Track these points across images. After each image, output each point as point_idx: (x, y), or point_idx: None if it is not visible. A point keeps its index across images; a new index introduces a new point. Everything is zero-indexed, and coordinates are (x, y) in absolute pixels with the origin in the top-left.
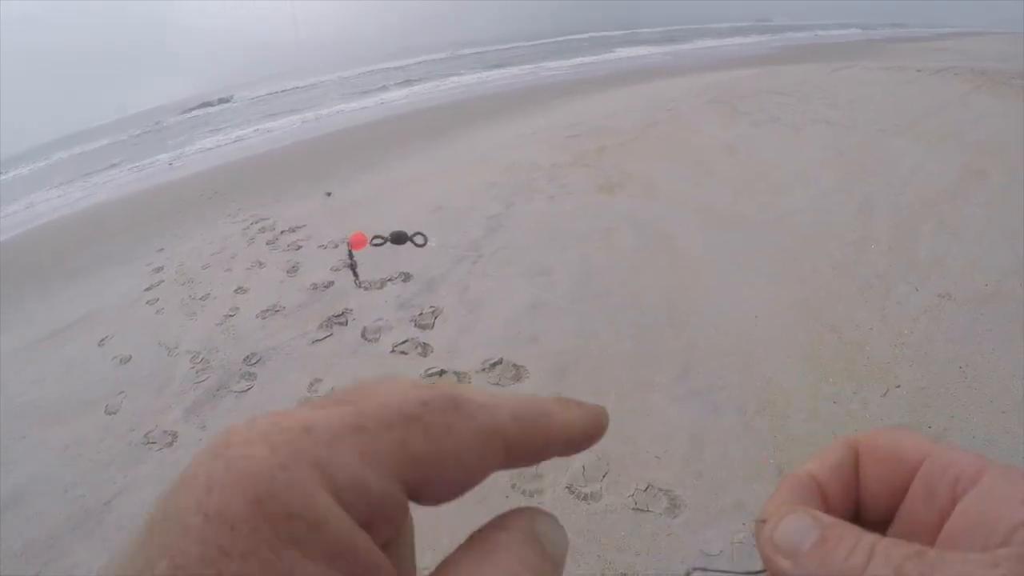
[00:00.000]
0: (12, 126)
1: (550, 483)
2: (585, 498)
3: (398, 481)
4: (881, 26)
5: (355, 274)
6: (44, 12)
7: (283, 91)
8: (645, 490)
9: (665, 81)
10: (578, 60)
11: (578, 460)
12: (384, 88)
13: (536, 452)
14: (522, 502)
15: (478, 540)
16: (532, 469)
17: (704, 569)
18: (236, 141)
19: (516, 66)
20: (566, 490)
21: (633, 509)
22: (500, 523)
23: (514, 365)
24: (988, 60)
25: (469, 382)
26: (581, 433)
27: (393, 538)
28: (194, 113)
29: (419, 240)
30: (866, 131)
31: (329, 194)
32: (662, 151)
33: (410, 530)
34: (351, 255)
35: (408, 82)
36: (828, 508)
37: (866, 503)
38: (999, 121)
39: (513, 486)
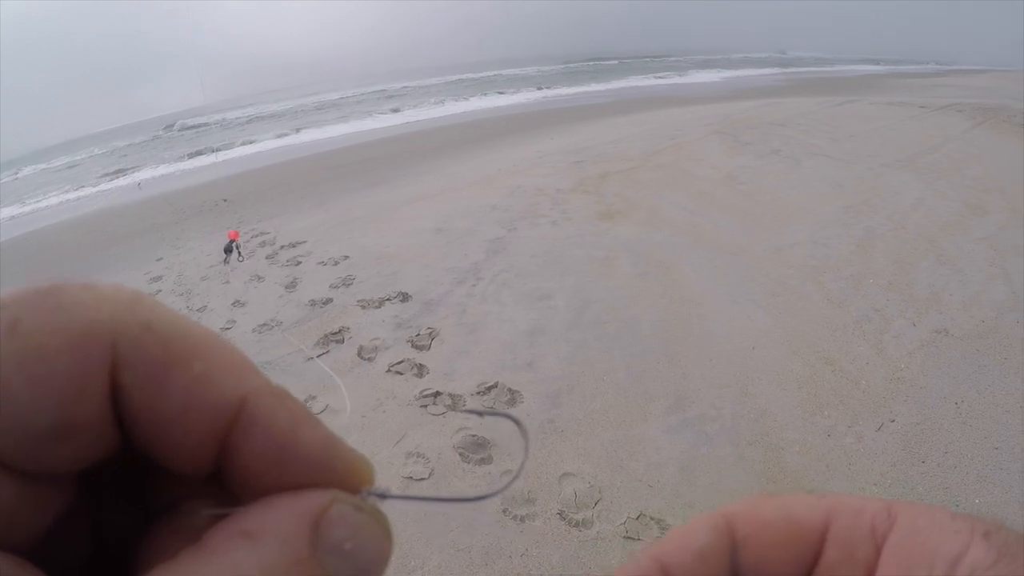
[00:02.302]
0: (14, 127)
1: (541, 508)
2: (577, 525)
3: None
4: (888, 61)
5: (228, 253)
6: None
7: (290, 107)
8: (637, 518)
9: (672, 109)
10: (589, 87)
11: (570, 487)
12: (394, 109)
13: (172, 380)
14: (513, 527)
15: (197, 561)
16: (524, 492)
17: (473, 411)
18: (241, 155)
19: (526, 90)
20: (558, 516)
21: (625, 537)
22: (252, 521)
23: (509, 389)
24: (992, 97)
25: (464, 404)
26: (267, 409)
27: None
28: (202, 122)
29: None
30: (868, 165)
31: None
32: (664, 179)
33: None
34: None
35: (418, 103)
36: None
37: None
38: (1000, 158)
39: (504, 511)
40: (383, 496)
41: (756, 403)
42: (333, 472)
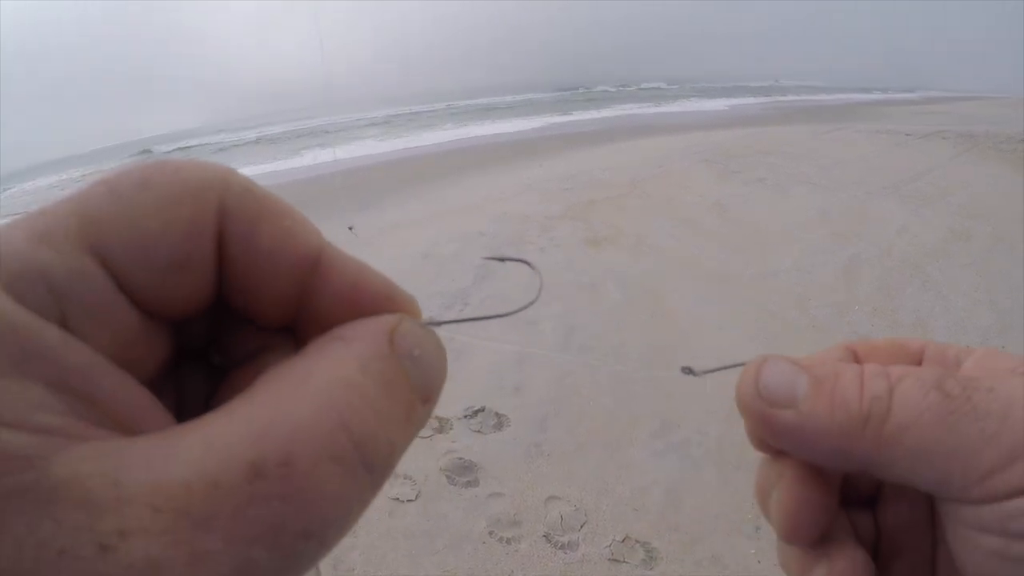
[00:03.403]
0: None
1: (528, 531)
2: (562, 547)
3: (88, 254)
4: (877, 89)
5: None
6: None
7: (286, 130)
8: (622, 541)
9: (661, 138)
10: (581, 114)
11: (556, 510)
12: (381, 134)
13: (265, 231)
14: (499, 549)
15: (305, 358)
16: (510, 515)
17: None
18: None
19: (518, 117)
20: (543, 539)
21: (610, 560)
22: (343, 331)
23: (496, 414)
24: (977, 124)
25: (451, 429)
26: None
27: (109, 335)
28: (192, 143)
29: None
30: (853, 192)
31: (351, 228)
32: (652, 207)
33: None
34: None
35: (407, 127)
36: None
37: None
38: (985, 184)
39: (491, 533)
40: (435, 323)
41: (742, 428)
42: (396, 304)
